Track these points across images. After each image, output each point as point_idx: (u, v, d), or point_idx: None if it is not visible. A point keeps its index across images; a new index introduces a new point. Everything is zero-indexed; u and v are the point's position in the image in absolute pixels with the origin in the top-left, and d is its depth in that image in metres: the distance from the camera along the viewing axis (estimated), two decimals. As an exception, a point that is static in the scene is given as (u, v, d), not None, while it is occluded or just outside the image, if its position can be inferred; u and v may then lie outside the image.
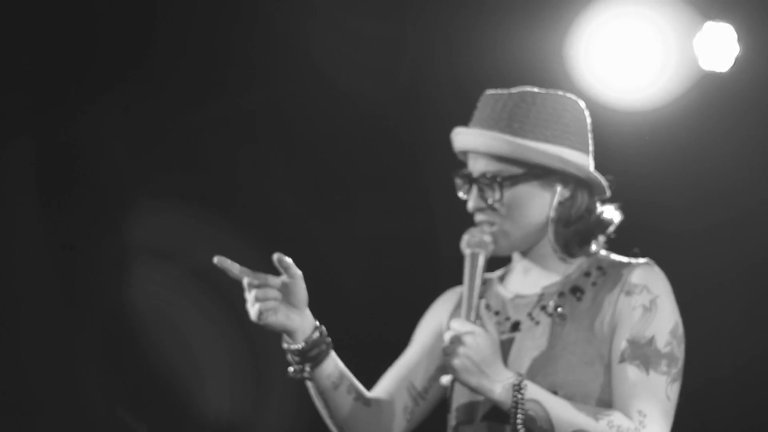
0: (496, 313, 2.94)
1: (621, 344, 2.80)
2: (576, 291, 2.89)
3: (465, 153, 2.95)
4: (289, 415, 4.98)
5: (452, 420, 2.91)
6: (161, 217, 4.89)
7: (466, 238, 2.85)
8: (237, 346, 4.95)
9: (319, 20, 4.88)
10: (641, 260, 2.90)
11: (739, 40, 4.81)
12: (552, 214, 2.90)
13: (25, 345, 4.82)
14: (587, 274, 2.90)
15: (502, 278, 3.02)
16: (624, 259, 2.92)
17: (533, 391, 2.74)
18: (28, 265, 4.82)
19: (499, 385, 2.72)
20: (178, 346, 4.92)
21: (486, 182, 2.88)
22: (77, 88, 4.80)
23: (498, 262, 3.00)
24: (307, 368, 2.85)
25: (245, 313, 2.82)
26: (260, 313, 2.78)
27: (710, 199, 4.91)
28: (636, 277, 2.85)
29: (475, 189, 2.89)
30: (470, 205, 2.90)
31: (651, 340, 2.79)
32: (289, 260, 2.82)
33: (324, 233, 5.04)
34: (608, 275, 2.88)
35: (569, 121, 2.90)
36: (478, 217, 2.90)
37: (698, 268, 4.89)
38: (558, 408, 2.74)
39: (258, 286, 2.79)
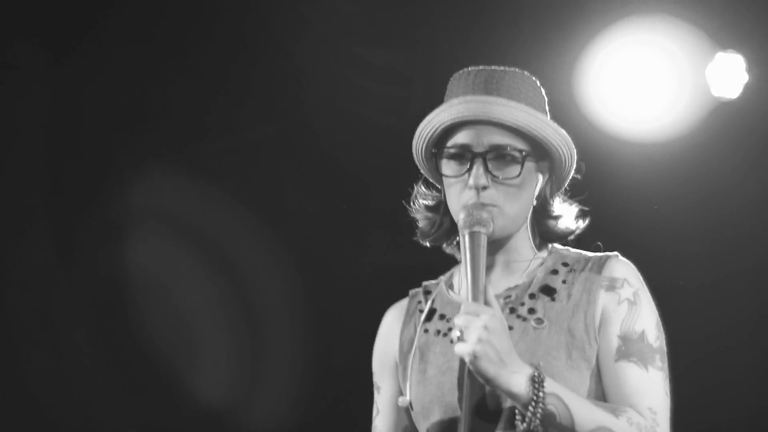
0: (449, 320, 2.70)
1: (613, 341, 2.62)
2: (548, 291, 2.69)
3: (449, 126, 2.66)
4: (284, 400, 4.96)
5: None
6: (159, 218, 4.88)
7: (462, 218, 2.61)
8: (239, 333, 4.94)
9: (330, 49, 4.87)
10: (610, 254, 2.73)
11: (749, 69, 4.83)
12: (534, 202, 2.73)
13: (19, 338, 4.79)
14: (554, 272, 2.71)
15: (448, 283, 2.80)
16: (588, 253, 2.75)
17: (552, 385, 2.51)
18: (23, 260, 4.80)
19: (517, 376, 2.47)
20: (177, 327, 4.91)
21: (496, 156, 2.64)
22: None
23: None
24: None
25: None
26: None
27: (729, 243, 4.88)
28: (613, 270, 2.67)
29: (479, 164, 2.64)
30: (474, 182, 2.63)
31: (642, 335, 2.63)
32: None
33: (335, 264, 5.04)
34: (577, 271, 2.70)
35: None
36: (474, 197, 2.64)
37: (715, 292, 4.86)
38: (577, 403, 2.52)
39: None
